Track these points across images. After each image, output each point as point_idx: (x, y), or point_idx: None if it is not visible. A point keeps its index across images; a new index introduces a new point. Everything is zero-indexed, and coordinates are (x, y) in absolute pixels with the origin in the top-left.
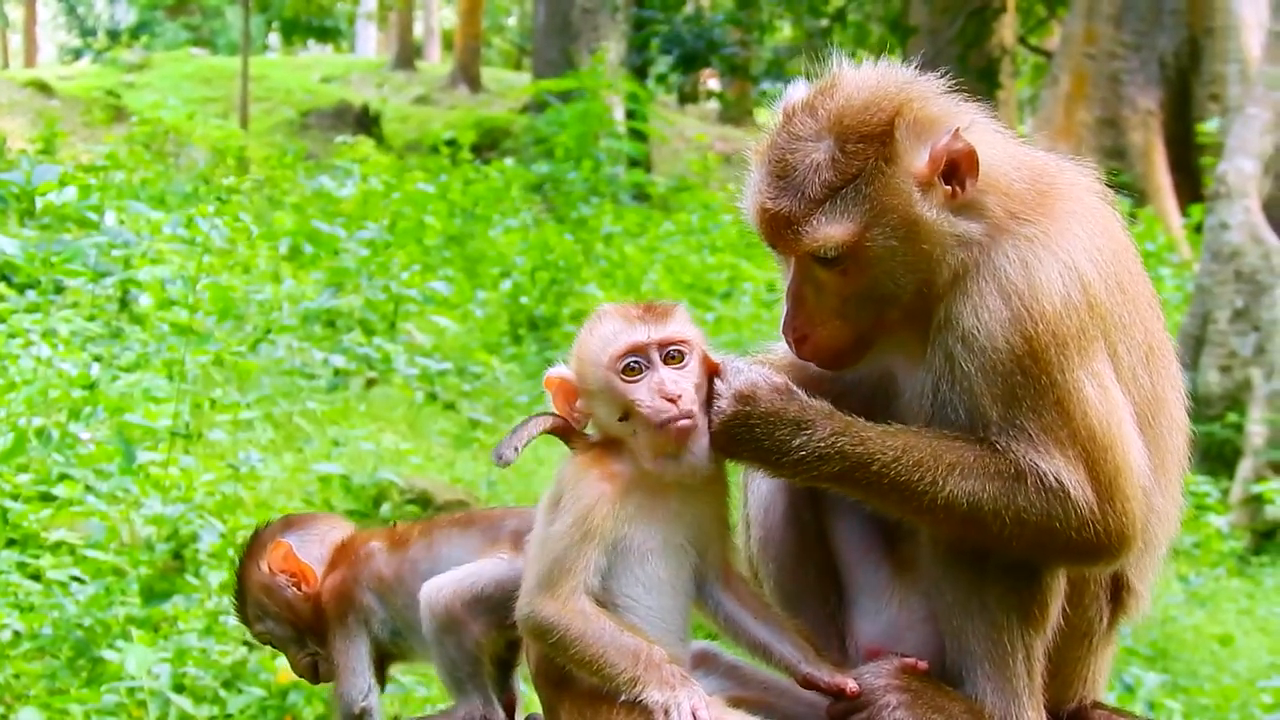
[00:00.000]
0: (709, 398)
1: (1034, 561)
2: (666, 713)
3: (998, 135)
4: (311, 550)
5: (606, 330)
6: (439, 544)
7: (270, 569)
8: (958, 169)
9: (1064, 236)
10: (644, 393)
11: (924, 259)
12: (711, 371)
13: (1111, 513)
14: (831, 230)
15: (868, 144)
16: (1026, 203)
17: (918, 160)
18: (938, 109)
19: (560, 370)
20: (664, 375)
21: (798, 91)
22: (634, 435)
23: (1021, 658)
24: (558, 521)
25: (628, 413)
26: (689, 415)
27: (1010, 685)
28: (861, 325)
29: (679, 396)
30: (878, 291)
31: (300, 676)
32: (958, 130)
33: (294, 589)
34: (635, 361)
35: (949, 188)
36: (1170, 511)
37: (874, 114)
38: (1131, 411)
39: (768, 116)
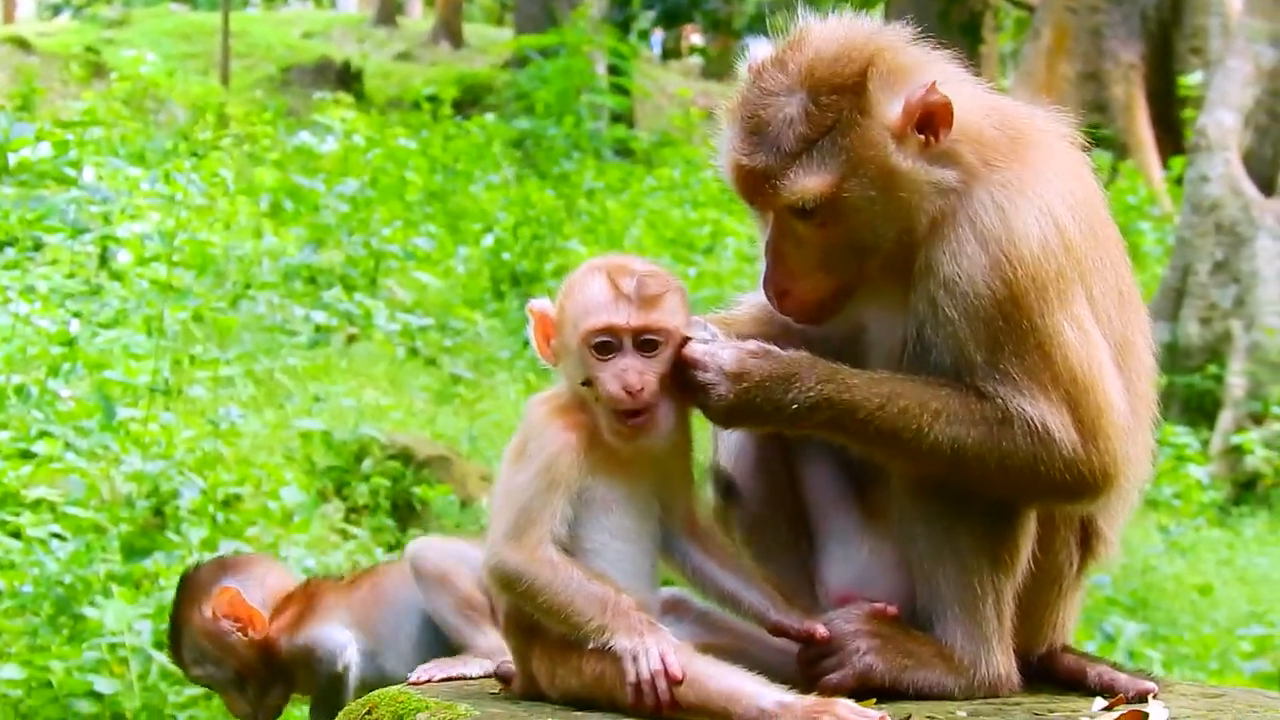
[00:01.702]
0: (690, 383)
1: (1018, 502)
2: (635, 659)
3: (968, 84)
4: (253, 595)
5: (590, 297)
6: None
7: (215, 614)
8: (932, 119)
9: (1038, 182)
10: (608, 375)
11: (902, 207)
12: (687, 364)
13: (1095, 452)
14: (808, 182)
15: (841, 95)
16: (1000, 150)
17: (892, 111)
18: (909, 59)
19: (545, 305)
20: (630, 364)
21: (764, 48)
22: (595, 401)
23: (991, 602)
24: (523, 471)
25: (590, 382)
26: (647, 408)
27: (980, 630)
28: (843, 276)
29: (641, 390)
30: (857, 242)
31: (237, 717)
32: (933, 83)
33: (239, 634)
34: (606, 341)
35: (923, 137)
36: (1141, 457)
37: (845, 65)
38: (1110, 353)
39: (737, 75)
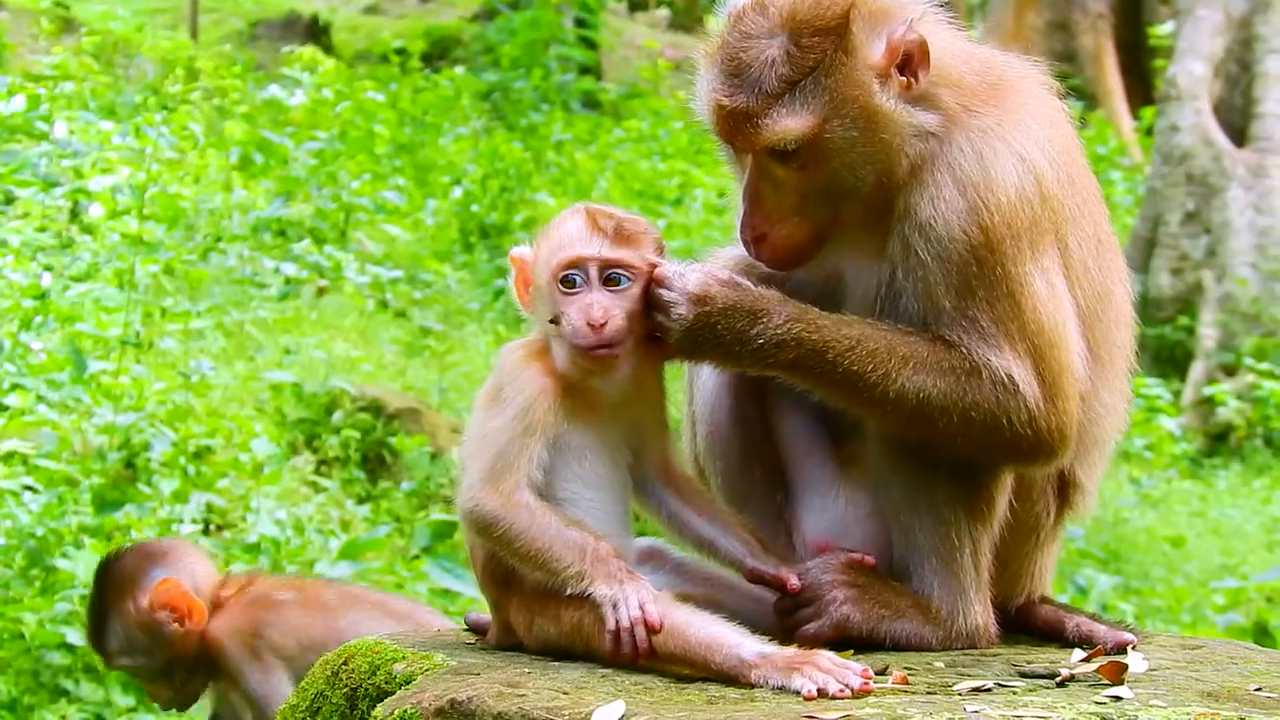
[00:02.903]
0: (653, 301)
1: (976, 460)
2: (615, 606)
3: (947, 28)
4: (187, 585)
5: (565, 233)
6: (365, 625)
7: (151, 605)
8: (911, 60)
9: (1017, 129)
10: (574, 310)
11: (882, 150)
12: (654, 282)
13: (1054, 411)
14: (791, 123)
15: (823, 37)
16: (979, 95)
17: (874, 51)
18: (890, 0)
19: (525, 251)
20: (595, 299)
21: None
22: (558, 338)
23: (969, 553)
24: (499, 415)
25: (557, 320)
26: (609, 344)
27: (957, 580)
28: (820, 222)
29: (603, 325)
30: (837, 185)
31: (156, 703)
32: (912, 22)
33: (176, 625)
34: (574, 275)
35: (904, 79)
36: (1117, 406)
37: (827, 8)
38: (1080, 306)
39: (715, 20)
